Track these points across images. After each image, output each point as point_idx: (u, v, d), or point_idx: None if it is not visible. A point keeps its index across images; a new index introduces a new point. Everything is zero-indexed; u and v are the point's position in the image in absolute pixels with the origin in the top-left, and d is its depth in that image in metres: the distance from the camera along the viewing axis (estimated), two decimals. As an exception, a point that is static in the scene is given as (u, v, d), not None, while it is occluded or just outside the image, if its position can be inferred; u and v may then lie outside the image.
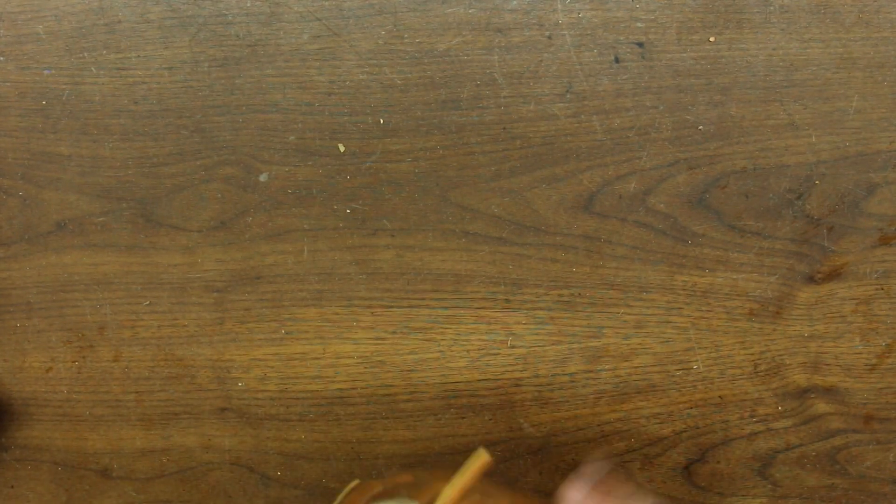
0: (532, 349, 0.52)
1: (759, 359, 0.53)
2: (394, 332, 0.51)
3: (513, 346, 0.51)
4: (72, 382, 0.53)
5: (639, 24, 0.47)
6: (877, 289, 0.52)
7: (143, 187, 0.50)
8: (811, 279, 0.51)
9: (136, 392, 0.53)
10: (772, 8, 0.47)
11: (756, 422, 0.54)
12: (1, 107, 0.49)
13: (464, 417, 0.53)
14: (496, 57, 0.48)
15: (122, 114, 0.49)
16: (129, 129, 0.49)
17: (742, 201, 0.50)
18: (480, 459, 0.38)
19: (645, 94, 0.48)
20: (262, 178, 0.50)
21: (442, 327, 0.51)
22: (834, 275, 0.52)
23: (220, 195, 0.50)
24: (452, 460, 0.54)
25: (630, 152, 0.49)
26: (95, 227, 0.50)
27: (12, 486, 0.54)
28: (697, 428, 0.54)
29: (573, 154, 0.49)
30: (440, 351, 0.51)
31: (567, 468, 0.54)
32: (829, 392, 0.53)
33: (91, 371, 0.52)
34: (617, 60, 0.48)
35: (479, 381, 0.51)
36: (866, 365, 0.53)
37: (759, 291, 0.52)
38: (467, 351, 0.51)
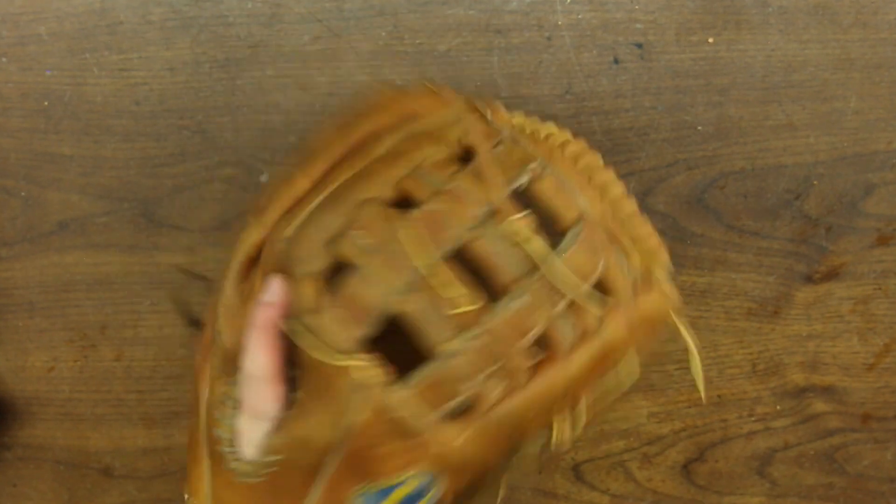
0: (532, 349, 0.52)
1: (757, 358, 0.53)
2: (394, 332, 0.51)
3: (512, 346, 0.51)
4: (74, 382, 0.53)
5: (638, 26, 0.48)
6: (875, 288, 0.52)
7: (145, 188, 0.50)
8: (809, 279, 0.52)
9: (138, 391, 0.53)
10: (770, 9, 0.48)
11: (754, 421, 0.54)
12: (3, 108, 0.49)
13: (464, 416, 0.53)
14: (496, 58, 0.48)
15: (123, 114, 0.49)
16: (131, 130, 0.49)
17: (741, 201, 0.50)
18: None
19: (644, 94, 0.49)
20: (264, 178, 0.50)
21: (442, 327, 0.51)
22: (832, 275, 0.52)
23: (221, 196, 0.50)
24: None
25: (629, 153, 0.49)
26: (97, 228, 0.50)
27: (14, 485, 0.55)
28: (696, 427, 0.54)
29: (572, 155, 0.49)
30: (440, 350, 0.51)
31: (566, 467, 0.54)
32: (827, 391, 0.54)
33: (93, 370, 0.53)
34: (616, 61, 0.48)
35: (479, 380, 0.52)
36: (864, 364, 0.53)
37: (757, 291, 0.52)
38: (467, 350, 0.51)
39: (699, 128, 0.49)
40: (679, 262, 0.51)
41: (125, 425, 0.53)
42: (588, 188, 0.38)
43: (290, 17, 0.47)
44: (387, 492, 0.36)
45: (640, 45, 0.48)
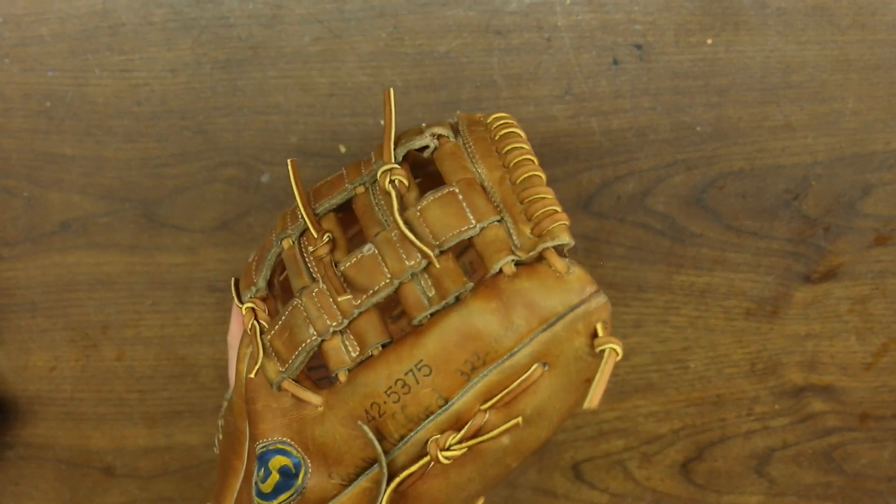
0: (531, 348, 0.52)
1: (756, 358, 0.53)
2: (394, 332, 0.51)
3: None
4: (76, 381, 0.53)
5: (637, 27, 0.48)
6: (872, 288, 0.52)
7: (146, 188, 0.50)
8: (808, 279, 0.52)
9: (140, 391, 0.53)
10: (768, 10, 0.48)
11: (753, 420, 0.54)
12: (5, 108, 0.49)
13: (464, 416, 0.53)
14: (496, 59, 0.48)
15: (125, 115, 0.49)
16: (133, 131, 0.49)
17: (739, 202, 0.51)
18: (390, 96, 0.35)
19: (643, 95, 0.49)
20: (264, 178, 0.50)
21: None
22: (830, 274, 0.52)
23: (222, 196, 0.50)
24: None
25: (628, 153, 0.49)
26: (99, 228, 0.51)
27: (17, 484, 0.55)
28: (695, 426, 0.54)
29: (572, 155, 0.49)
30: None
31: (566, 466, 0.54)
32: (825, 391, 0.54)
33: (94, 370, 0.53)
34: (615, 62, 0.48)
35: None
36: (862, 364, 0.53)
37: (756, 291, 0.52)
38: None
39: (698, 128, 0.49)
40: (678, 262, 0.51)
41: (126, 425, 0.54)
42: (491, 155, 0.35)
43: (291, 19, 0.48)
44: (265, 460, 0.36)
45: (639, 46, 0.48)
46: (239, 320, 0.40)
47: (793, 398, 0.54)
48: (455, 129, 0.36)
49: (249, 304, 0.37)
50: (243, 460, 0.38)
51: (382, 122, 0.49)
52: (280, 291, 0.39)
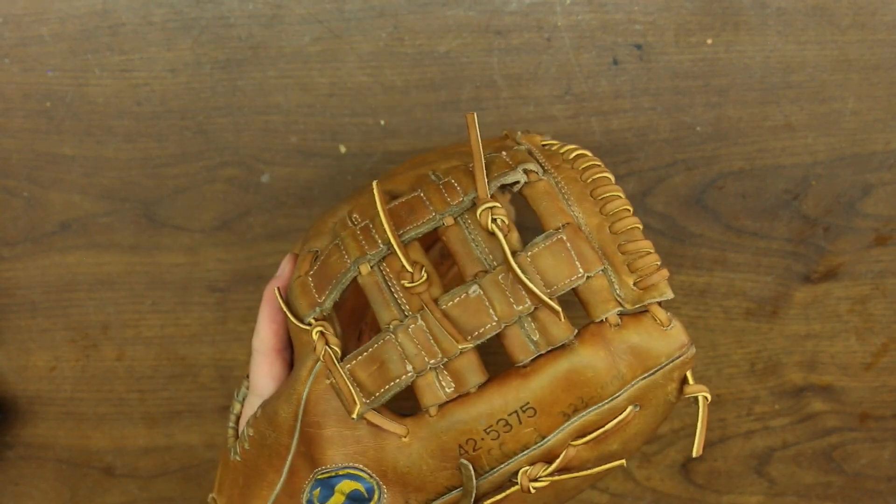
0: (531, 348, 0.52)
1: (755, 358, 0.53)
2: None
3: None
4: (76, 381, 0.53)
5: (637, 27, 0.48)
6: (872, 288, 0.52)
7: (147, 188, 0.50)
8: (807, 279, 0.52)
9: (140, 391, 0.53)
10: (768, 10, 0.48)
11: (753, 420, 0.54)
12: (5, 108, 0.49)
13: (464, 416, 0.53)
14: (496, 59, 0.48)
15: (125, 115, 0.49)
16: (133, 131, 0.49)
17: (739, 202, 0.51)
18: (474, 120, 0.35)
19: (643, 95, 0.49)
20: (264, 178, 0.50)
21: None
22: (830, 274, 0.52)
23: (222, 196, 0.50)
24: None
25: (628, 153, 0.50)
26: (99, 228, 0.51)
27: (17, 484, 0.55)
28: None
29: (572, 155, 0.49)
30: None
31: (566, 466, 0.54)
32: (825, 390, 0.54)
33: (95, 370, 0.53)
34: (615, 62, 0.48)
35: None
36: (862, 364, 0.53)
37: (755, 291, 0.52)
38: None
39: (698, 128, 0.49)
40: (678, 262, 0.51)
41: (126, 424, 0.54)
42: (587, 200, 0.35)
43: (291, 19, 0.48)
44: (331, 483, 0.36)
45: (639, 47, 0.48)
46: (271, 327, 0.39)
47: (793, 398, 0.54)
48: (533, 156, 0.37)
49: (319, 328, 0.35)
50: (281, 474, 0.37)
51: (383, 122, 0.49)
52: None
